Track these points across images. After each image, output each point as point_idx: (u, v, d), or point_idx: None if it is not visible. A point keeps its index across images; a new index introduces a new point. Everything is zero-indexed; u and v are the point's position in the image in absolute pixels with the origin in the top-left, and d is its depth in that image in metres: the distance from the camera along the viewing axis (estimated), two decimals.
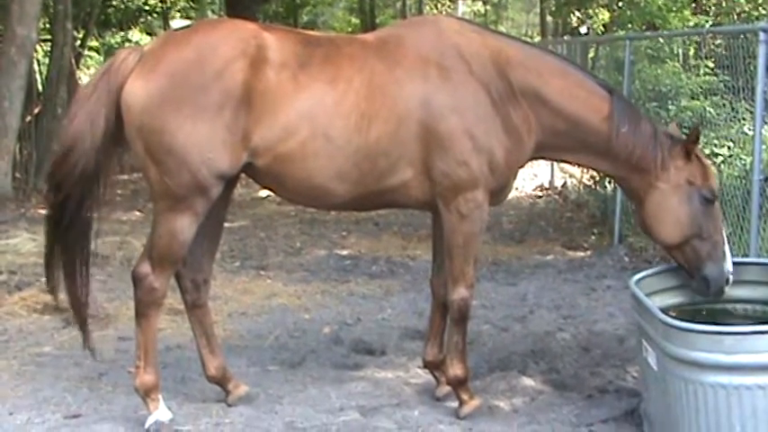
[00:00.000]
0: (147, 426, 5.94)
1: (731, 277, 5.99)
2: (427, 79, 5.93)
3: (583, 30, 20.33)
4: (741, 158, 10.13)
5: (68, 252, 6.03)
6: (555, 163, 17.30)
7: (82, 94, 6.04)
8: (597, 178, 14.16)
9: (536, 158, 6.53)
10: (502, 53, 6.10)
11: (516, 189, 15.97)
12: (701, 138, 8.63)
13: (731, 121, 10.39)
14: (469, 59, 6.02)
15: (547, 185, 17.82)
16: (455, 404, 6.39)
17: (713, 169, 6.14)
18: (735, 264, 6.25)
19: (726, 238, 6.08)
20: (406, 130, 5.86)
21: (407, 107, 5.86)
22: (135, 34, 28.37)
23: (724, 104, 10.58)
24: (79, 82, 22.16)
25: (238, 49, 5.71)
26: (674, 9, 18.57)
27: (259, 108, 5.68)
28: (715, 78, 11.66)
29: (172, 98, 5.62)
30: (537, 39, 29.01)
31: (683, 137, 6.24)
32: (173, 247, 5.82)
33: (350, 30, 27.13)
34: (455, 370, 6.28)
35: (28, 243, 11.82)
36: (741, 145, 10.27)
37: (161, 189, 5.75)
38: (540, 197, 17.00)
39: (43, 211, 14.12)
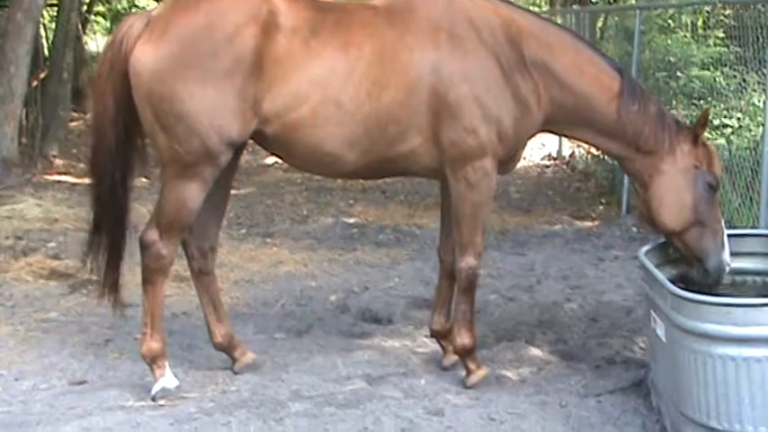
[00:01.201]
0: (153, 393, 5.94)
1: (728, 268, 5.92)
2: (438, 47, 5.88)
3: None
4: (750, 130, 10.08)
5: (110, 227, 6.10)
6: None
7: (97, 70, 6.05)
8: None
9: (543, 132, 6.48)
10: (514, 23, 6.04)
11: (524, 158, 15.91)
12: (712, 109, 8.60)
13: (741, 92, 10.33)
14: (480, 27, 5.97)
15: (555, 155, 17.77)
16: (462, 373, 6.38)
17: (718, 155, 6.06)
18: (744, 235, 6.24)
19: (724, 229, 6.00)
20: (417, 98, 5.82)
21: (418, 74, 5.82)
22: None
23: (734, 76, 10.51)
24: (85, 47, 22.15)
25: (249, 14, 5.66)
26: None
27: (270, 74, 5.64)
28: (725, 49, 11.59)
29: (181, 64, 5.58)
30: (545, 8, 28.83)
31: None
32: (181, 214, 5.80)
33: None
34: (462, 339, 6.27)
35: (34, 209, 11.82)
36: (751, 116, 10.21)
37: (170, 156, 5.72)
38: (548, 167, 16.96)
39: (52, 177, 14.22)
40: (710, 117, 9.44)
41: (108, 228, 6.07)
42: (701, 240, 5.94)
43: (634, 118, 6.02)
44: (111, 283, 6.19)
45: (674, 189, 6.00)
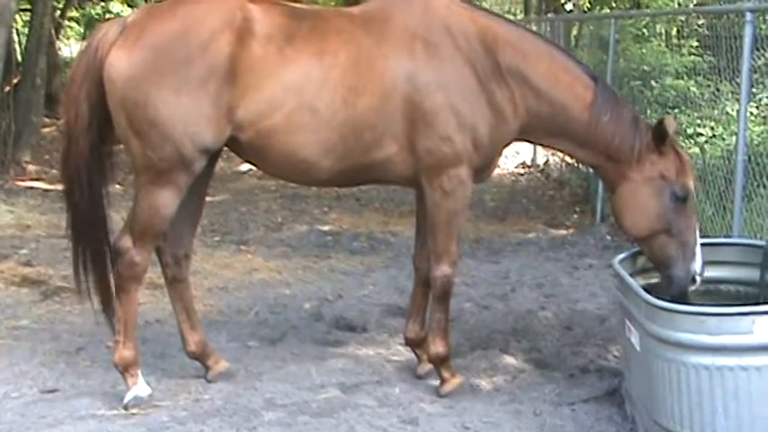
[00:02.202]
0: (125, 401, 5.90)
1: (699, 278, 5.92)
2: (413, 54, 5.87)
3: (569, 6, 20.28)
4: (724, 139, 10.12)
5: (91, 240, 6.01)
6: None
7: (71, 76, 6.00)
8: None
9: (518, 141, 6.48)
10: (489, 31, 6.04)
11: (499, 167, 15.88)
12: (686, 118, 8.62)
13: (714, 101, 10.38)
14: (456, 35, 5.97)
15: (529, 163, 17.82)
16: (436, 382, 6.37)
17: (691, 166, 6.04)
18: (718, 244, 6.26)
19: (698, 239, 5.97)
20: (392, 105, 5.81)
21: (393, 82, 5.81)
22: (116, 5, 28.12)
23: (708, 85, 10.56)
24: (59, 53, 22.05)
25: (224, 21, 5.63)
26: None
27: (244, 81, 5.62)
28: (699, 58, 11.65)
29: (155, 70, 5.55)
30: (520, 16, 28.90)
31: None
32: (154, 222, 5.76)
33: (334, 3, 26.98)
34: (437, 347, 6.26)
35: (6, 215, 11.76)
36: (724, 125, 10.26)
37: (143, 162, 5.69)
38: (523, 175, 17.00)
39: (24, 184, 14.13)
40: (684, 125, 9.50)
41: (89, 237, 6.01)
42: (666, 249, 5.93)
43: (605, 127, 6.00)
44: (104, 296, 6.10)
45: (637, 197, 6.00)
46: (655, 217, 5.94)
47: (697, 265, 5.91)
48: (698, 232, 6.01)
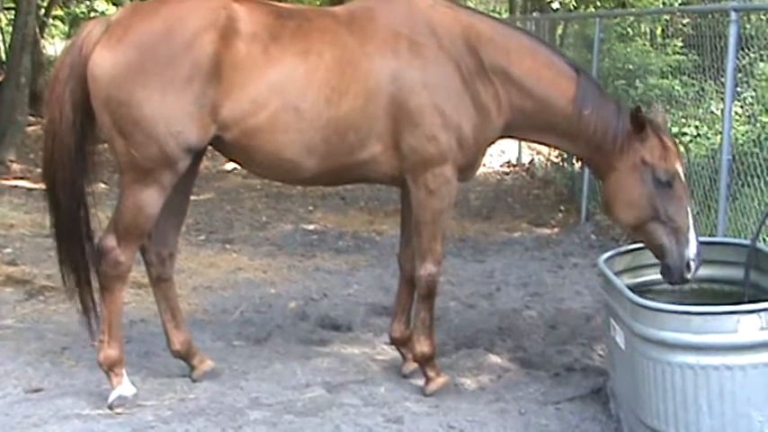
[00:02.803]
0: (110, 401, 5.88)
1: (693, 264, 5.86)
2: (398, 54, 5.88)
3: (555, 5, 20.32)
4: (708, 138, 10.15)
5: (73, 238, 5.99)
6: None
7: (54, 74, 5.97)
8: (565, 156, 14.19)
9: (504, 137, 6.49)
10: (473, 29, 6.06)
11: (484, 165, 15.92)
12: (670, 117, 8.62)
13: (699, 100, 10.40)
14: (441, 35, 5.98)
15: (514, 162, 17.84)
16: (421, 381, 6.37)
17: (675, 152, 6.00)
18: (702, 243, 6.25)
19: (692, 224, 5.93)
20: (376, 105, 5.82)
21: (378, 82, 5.82)
22: (100, 4, 28.02)
23: (693, 84, 10.59)
24: (43, 51, 21.98)
25: (208, 20, 5.63)
26: None
27: (228, 81, 5.61)
28: (684, 58, 11.68)
29: (139, 70, 5.54)
30: (505, 15, 28.90)
31: (662, 123, 6.17)
32: (139, 221, 5.75)
33: (319, 2, 26.95)
34: (422, 347, 6.26)
35: None
36: (709, 124, 10.28)
37: (128, 162, 5.67)
38: (508, 174, 17.02)
39: (8, 183, 14.08)
40: (669, 125, 9.51)
41: (71, 236, 5.98)
42: (657, 236, 5.91)
43: (587, 120, 6.02)
44: (85, 295, 6.08)
45: (622, 186, 5.99)
46: (640, 204, 5.92)
47: (691, 251, 5.85)
48: (691, 217, 5.94)
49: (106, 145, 5.89)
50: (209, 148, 5.97)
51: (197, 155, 5.93)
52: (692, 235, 5.87)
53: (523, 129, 6.28)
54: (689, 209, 5.97)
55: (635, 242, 6.34)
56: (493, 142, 6.36)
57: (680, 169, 5.97)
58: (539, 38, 7.21)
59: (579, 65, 6.55)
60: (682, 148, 9.80)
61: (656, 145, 5.94)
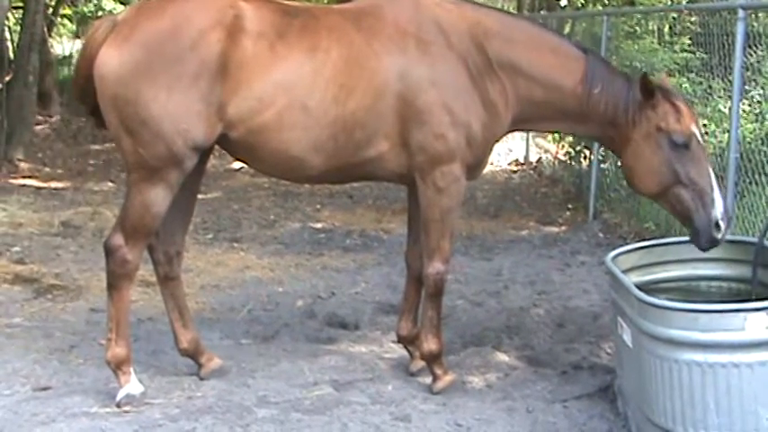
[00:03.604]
0: (117, 399, 5.89)
1: (722, 223, 5.81)
2: (405, 52, 5.88)
3: (563, 3, 20.31)
4: (716, 136, 10.13)
5: None
6: (530, 138, 17.35)
7: (74, 73, 6.06)
8: (572, 154, 14.17)
9: (515, 131, 6.51)
10: (480, 25, 6.06)
11: (491, 164, 15.95)
12: None
13: (706, 98, 10.39)
14: (448, 32, 5.98)
15: (522, 160, 17.82)
16: (429, 379, 6.37)
17: (690, 114, 5.96)
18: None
19: (715, 185, 5.86)
20: (384, 103, 5.82)
21: (385, 80, 5.82)
22: (108, 3, 28.02)
23: (700, 82, 10.57)
24: (51, 50, 22.01)
25: (215, 18, 5.63)
26: None
27: (235, 79, 5.61)
28: (691, 55, 11.66)
29: (146, 68, 5.55)
30: None
31: (671, 88, 6.15)
32: (146, 219, 5.75)
33: (326, 1, 26.96)
34: (429, 345, 6.26)
35: None
36: (716, 122, 10.27)
37: (135, 160, 5.68)
38: (516, 172, 17.01)
39: (17, 181, 14.12)
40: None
41: None
42: (682, 201, 5.89)
43: (597, 99, 6.02)
44: None
45: (640, 156, 5.98)
46: (660, 171, 5.92)
47: (718, 211, 5.80)
48: (713, 177, 5.89)
49: (112, 144, 5.91)
50: (217, 146, 5.98)
51: (204, 153, 5.93)
52: (716, 195, 5.84)
53: (534, 119, 6.29)
54: (710, 170, 5.93)
55: (643, 240, 6.34)
56: (503, 136, 6.36)
57: (696, 130, 5.95)
58: (544, 25, 7.21)
59: (587, 47, 6.56)
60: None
61: (668, 110, 5.92)
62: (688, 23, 12.67)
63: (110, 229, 6.00)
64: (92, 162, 16.61)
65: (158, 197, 5.71)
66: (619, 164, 12.27)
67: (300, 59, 5.72)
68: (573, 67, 6.09)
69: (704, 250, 5.93)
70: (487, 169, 7.58)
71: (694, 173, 5.87)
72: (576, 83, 6.05)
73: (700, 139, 5.96)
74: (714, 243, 5.86)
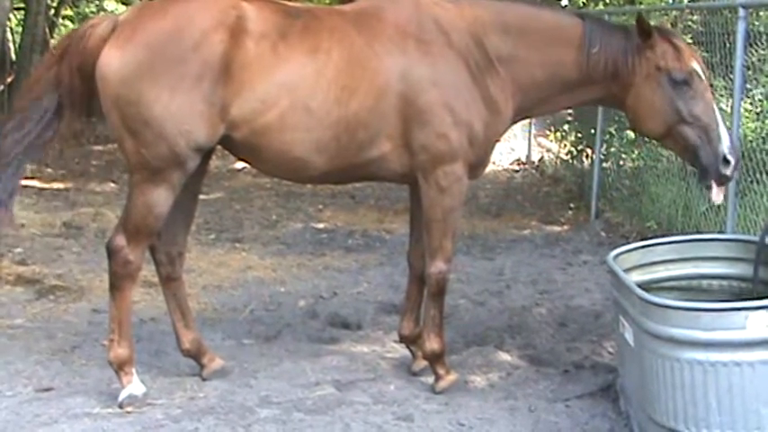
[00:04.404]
0: (120, 399, 5.89)
1: (732, 158, 5.81)
2: (406, 52, 5.89)
3: (564, 2, 20.29)
4: None
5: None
6: (532, 137, 17.35)
7: (49, 55, 5.99)
8: (574, 153, 14.18)
9: (522, 119, 6.54)
10: (477, 21, 6.07)
11: (493, 163, 15.97)
12: None
13: None
14: (448, 31, 5.99)
15: (524, 160, 17.83)
16: (431, 379, 6.37)
17: (689, 51, 6.01)
18: (711, 240, 6.27)
19: (720, 120, 5.88)
20: (385, 103, 5.82)
21: (386, 80, 5.82)
22: (110, 3, 28.03)
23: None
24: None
25: (217, 19, 5.63)
26: None
27: (238, 80, 5.61)
28: None
29: (149, 69, 5.54)
30: None
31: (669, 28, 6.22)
32: (148, 220, 5.76)
33: (328, 2, 26.97)
34: (431, 344, 6.26)
35: None
36: None
37: (137, 161, 5.68)
38: (518, 171, 17.02)
39: (20, 182, 14.10)
40: None
41: None
42: (688, 139, 5.90)
43: (597, 57, 6.04)
44: None
45: (642, 97, 6.00)
46: (662, 110, 5.93)
47: (724, 145, 5.81)
48: (717, 113, 5.90)
49: (114, 145, 5.90)
50: (219, 147, 5.98)
51: (206, 154, 5.94)
52: (722, 129, 5.86)
53: (537, 103, 6.31)
54: (714, 105, 5.94)
55: (645, 239, 6.34)
56: (501, 136, 6.37)
57: (697, 67, 5.95)
58: (539, 4, 7.21)
59: (583, 13, 6.60)
60: None
61: (666, 49, 5.95)
62: (689, 22, 12.65)
63: (112, 229, 6.00)
64: (94, 163, 16.61)
65: (161, 198, 5.71)
66: (620, 163, 12.45)
67: (302, 60, 5.72)
68: (571, 35, 6.10)
69: (717, 184, 5.89)
70: (489, 168, 7.58)
71: (698, 110, 5.88)
72: (575, 49, 6.07)
73: (702, 75, 5.97)
74: (723, 179, 5.87)
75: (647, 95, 5.98)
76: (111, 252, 5.85)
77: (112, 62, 5.60)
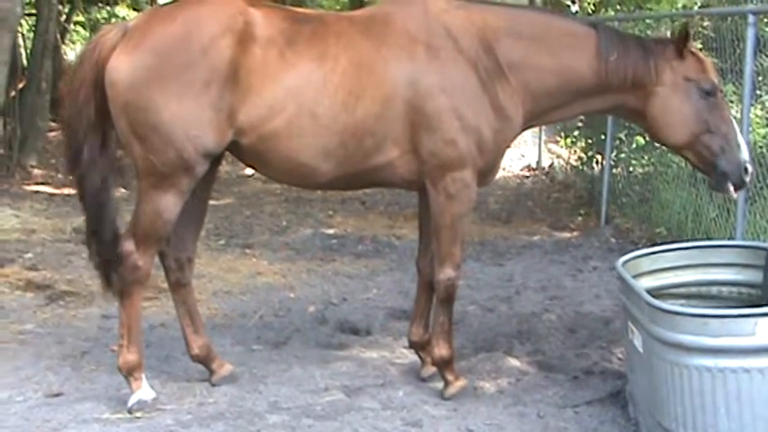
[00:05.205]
0: (129, 405, 5.90)
1: (749, 166, 5.98)
2: (414, 58, 5.88)
3: (574, 9, 20.29)
4: None
5: (98, 232, 5.98)
6: (542, 143, 17.34)
7: (70, 77, 6.03)
8: (584, 159, 14.17)
9: (534, 126, 6.57)
10: (488, 27, 6.06)
11: (503, 169, 15.98)
12: None
13: None
14: (457, 37, 5.98)
15: (534, 166, 17.82)
16: (440, 385, 6.37)
17: (709, 62, 6.14)
18: (721, 246, 6.27)
19: (737, 129, 6.06)
20: (393, 110, 5.82)
21: (394, 86, 5.82)
22: (122, 9, 28.09)
23: None
24: (64, 57, 22.07)
25: (225, 25, 5.64)
26: None
27: (245, 85, 5.62)
28: None
29: (157, 75, 5.56)
30: None
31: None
32: (157, 226, 5.77)
33: (339, 8, 26.95)
34: (440, 350, 6.26)
35: (11, 219, 11.79)
36: None
37: (146, 166, 5.70)
38: (528, 177, 17.01)
39: (30, 188, 14.18)
40: None
41: (97, 238, 6.01)
42: (710, 147, 6.00)
43: (615, 66, 6.06)
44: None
45: (671, 107, 6.05)
46: (693, 119, 6.01)
47: (744, 154, 5.97)
48: (734, 123, 6.08)
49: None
50: (229, 152, 5.99)
51: (215, 160, 5.95)
52: (740, 138, 6.02)
53: (549, 110, 6.29)
54: (730, 115, 6.10)
55: (655, 245, 6.33)
56: (511, 143, 6.36)
57: (715, 79, 6.10)
58: (550, 10, 7.28)
59: (595, 22, 6.65)
60: None
61: (692, 60, 6.07)
62: (700, 28, 12.65)
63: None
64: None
65: (169, 203, 5.73)
66: (630, 169, 12.44)
67: (309, 66, 5.73)
68: (585, 43, 6.13)
69: (735, 190, 6.09)
70: (500, 174, 7.61)
71: (720, 120, 6.02)
72: (591, 57, 6.09)
73: (719, 86, 6.13)
74: (743, 185, 6.06)
75: (675, 105, 6.03)
76: (121, 258, 5.86)
77: (121, 68, 5.62)
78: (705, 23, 12.49)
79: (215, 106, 5.59)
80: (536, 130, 16.86)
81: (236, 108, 5.63)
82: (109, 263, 5.99)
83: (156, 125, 5.58)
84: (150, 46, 5.63)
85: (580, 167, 14.69)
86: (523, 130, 6.45)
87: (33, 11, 19.66)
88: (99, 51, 5.76)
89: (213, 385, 6.36)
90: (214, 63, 5.57)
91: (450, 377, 6.30)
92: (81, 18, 27.21)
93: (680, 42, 6.04)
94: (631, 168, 12.56)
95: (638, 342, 5.41)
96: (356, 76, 5.77)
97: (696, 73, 6.03)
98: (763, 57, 8.91)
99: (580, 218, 12.94)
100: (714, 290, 6.15)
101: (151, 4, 24.56)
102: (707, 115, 5.99)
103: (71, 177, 6.10)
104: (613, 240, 11.28)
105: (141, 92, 5.57)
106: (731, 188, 6.04)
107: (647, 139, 10.55)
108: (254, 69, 5.64)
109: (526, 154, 18.51)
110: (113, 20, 25.24)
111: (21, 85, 17.03)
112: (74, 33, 27.87)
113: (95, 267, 6.08)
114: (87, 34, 28.73)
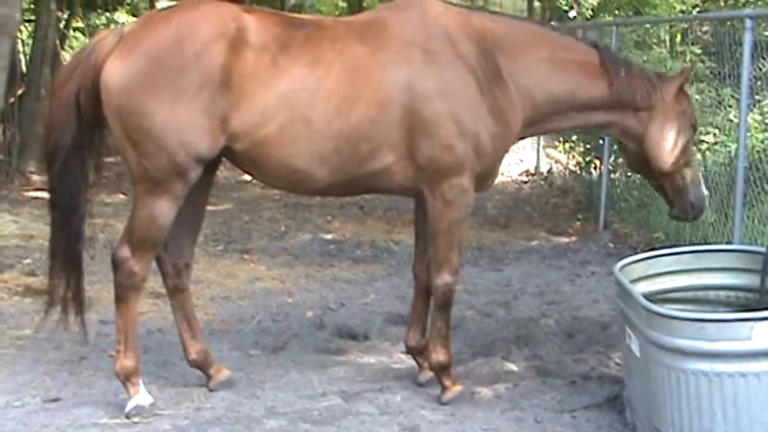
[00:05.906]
0: (127, 410, 5.90)
1: (707, 201, 6.47)
2: (411, 63, 5.88)
3: (572, 14, 20.31)
4: (726, 145, 10.12)
5: (64, 237, 5.99)
6: (541, 148, 17.34)
7: (61, 75, 6.04)
8: (583, 164, 14.17)
9: (529, 135, 6.80)
10: (487, 34, 6.08)
11: (502, 174, 15.92)
12: None
13: (717, 107, 10.38)
14: (455, 42, 5.98)
15: (532, 171, 17.80)
16: (438, 390, 6.36)
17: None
18: (718, 251, 6.30)
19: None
20: (388, 115, 5.81)
21: (389, 91, 5.81)
22: (121, 15, 28.09)
23: (710, 91, 10.57)
24: (63, 63, 22.06)
25: (218, 30, 5.65)
26: None
27: (238, 91, 5.62)
28: (701, 65, 11.65)
29: (150, 80, 5.57)
30: None
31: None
32: (152, 231, 5.77)
33: (337, 13, 26.99)
34: (438, 355, 6.26)
35: (10, 225, 11.78)
36: (726, 132, 10.26)
37: (139, 172, 5.70)
38: (526, 182, 17.00)
39: (29, 194, 14.18)
40: None
41: (64, 243, 6.02)
42: (685, 177, 6.32)
43: (625, 81, 6.20)
44: (76, 302, 6.11)
45: (669, 135, 6.25)
46: (682, 149, 6.29)
47: (704, 189, 6.44)
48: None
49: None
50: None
51: (211, 165, 5.95)
52: (698, 173, 6.46)
53: (548, 119, 6.33)
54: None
55: (653, 250, 6.35)
56: (509, 148, 6.37)
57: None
58: (551, 26, 7.42)
59: (593, 41, 7.00)
60: (699, 156, 9.83)
61: (684, 96, 6.38)
62: (699, 32, 12.67)
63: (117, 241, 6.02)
64: (104, 174, 16.60)
65: (164, 209, 5.73)
66: (629, 174, 12.44)
67: (303, 71, 5.72)
68: (587, 59, 6.24)
69: (687, 221, 6.77)
70: (498, 179, 7.61)
71: (691, 153, 6.40)
72: (595, 75, 6.20)
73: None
74: (699, 216, 6.53)
75: (673, 135, 6.27)
76: (117, 263, 5.87)
77: (115, 73, 5.63)
78: (704, 28, 12.50)
79: (208, 111, 5.59)
80: None
81: (229, 113, 5.63)
82: (72, 270, 6.01)
83: (149, 130, 5.58)
84: (144, 51, 5.64)
85: (578, 172, 14.68)
86: (521, 138, 6.47)
87: (32, 17, 19.66)
88: (95, 56, 5.76)
89: (211, 390, 6.36)
90: (207, 68, 5.58)
91: (447, 382, 6.30)
92: (80, 24, 27.21)
93: (685, 79, 6.32)
94: (629, 173, 12.55)
95: (635, 347, 5.42)
96: (351, 80, 5.77)
97: (689, 106, 6.33)
98: (761, 61, 8.91)
99: (578, 223, 12.93)
100: (711, 294, 6.16)
101: (150, 10, 24.56)
102: (689, 147, 6.31)
103: (48, 174, 6.08)
104: (611, 245, 11.28)
105: (135, 97, 5.58)
106: (689, 217, 6.47)
107: None
108: (247, 75, 5.64)
109: (524, 159, 18.49)
110: (112, 26, 25.24)
111: (20, 92, 17.01)
112: (73, 39, 27.84)
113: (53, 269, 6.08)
114: (87, 40, 28.75)
